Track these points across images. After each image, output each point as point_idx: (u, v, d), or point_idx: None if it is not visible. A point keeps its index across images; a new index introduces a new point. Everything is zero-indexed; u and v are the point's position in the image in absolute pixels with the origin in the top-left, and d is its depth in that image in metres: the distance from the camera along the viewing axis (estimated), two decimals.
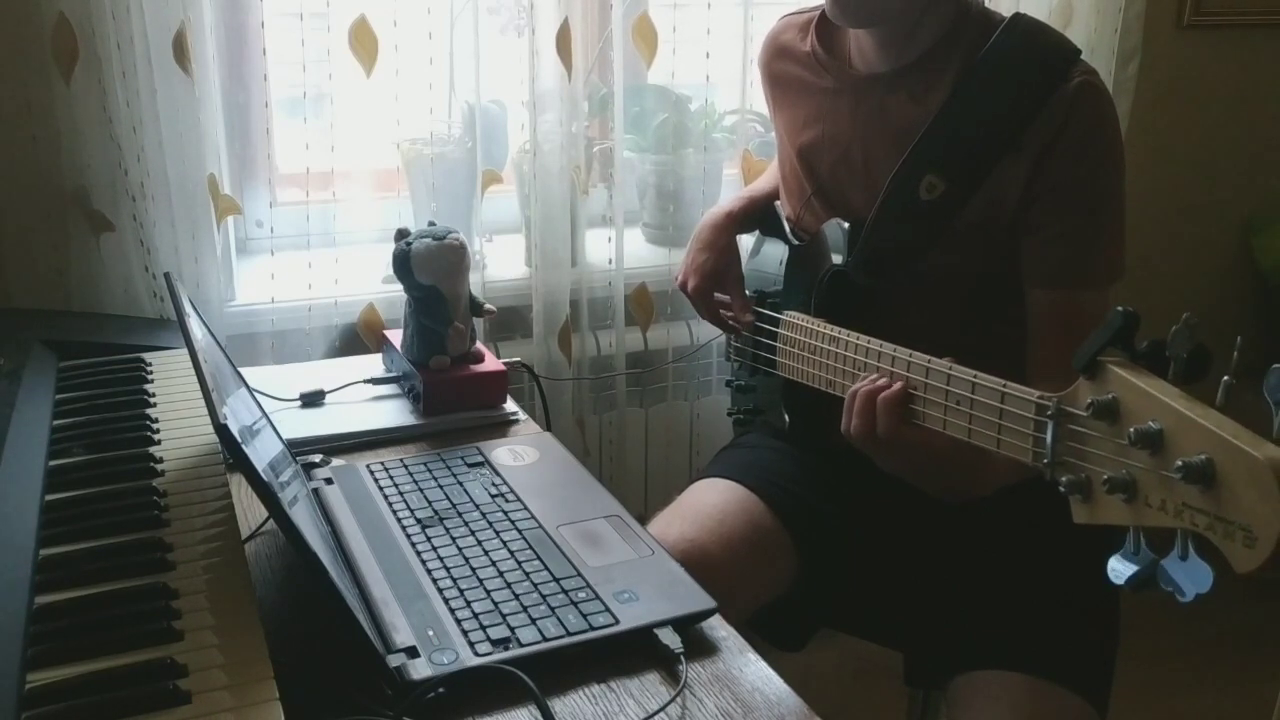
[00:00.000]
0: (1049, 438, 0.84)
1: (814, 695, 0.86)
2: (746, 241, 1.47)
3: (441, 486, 1.12)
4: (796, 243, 1.35)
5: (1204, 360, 0.73)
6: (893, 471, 1.10)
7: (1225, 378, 0.71)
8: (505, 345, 1.75)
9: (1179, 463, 0.69)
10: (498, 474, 1.16)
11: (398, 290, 1.36)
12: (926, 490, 1.14)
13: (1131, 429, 0.73)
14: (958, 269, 1.21)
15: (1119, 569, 0.78)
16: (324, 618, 0.84)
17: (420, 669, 0.83)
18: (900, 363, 1.04)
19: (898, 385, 1.03)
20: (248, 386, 1.14)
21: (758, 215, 1.44)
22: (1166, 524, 0.72)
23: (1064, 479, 0.80)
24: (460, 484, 1.13)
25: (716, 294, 1.39)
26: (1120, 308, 0.76)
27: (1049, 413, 0.84)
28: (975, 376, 0.95)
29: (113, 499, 0.97)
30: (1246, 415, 0.69)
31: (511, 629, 0.88)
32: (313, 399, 1.32)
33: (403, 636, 0.87)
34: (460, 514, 1.07)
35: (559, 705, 0.83)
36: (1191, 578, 0.73)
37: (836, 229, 1.26)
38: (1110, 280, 1.17)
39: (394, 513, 1.07)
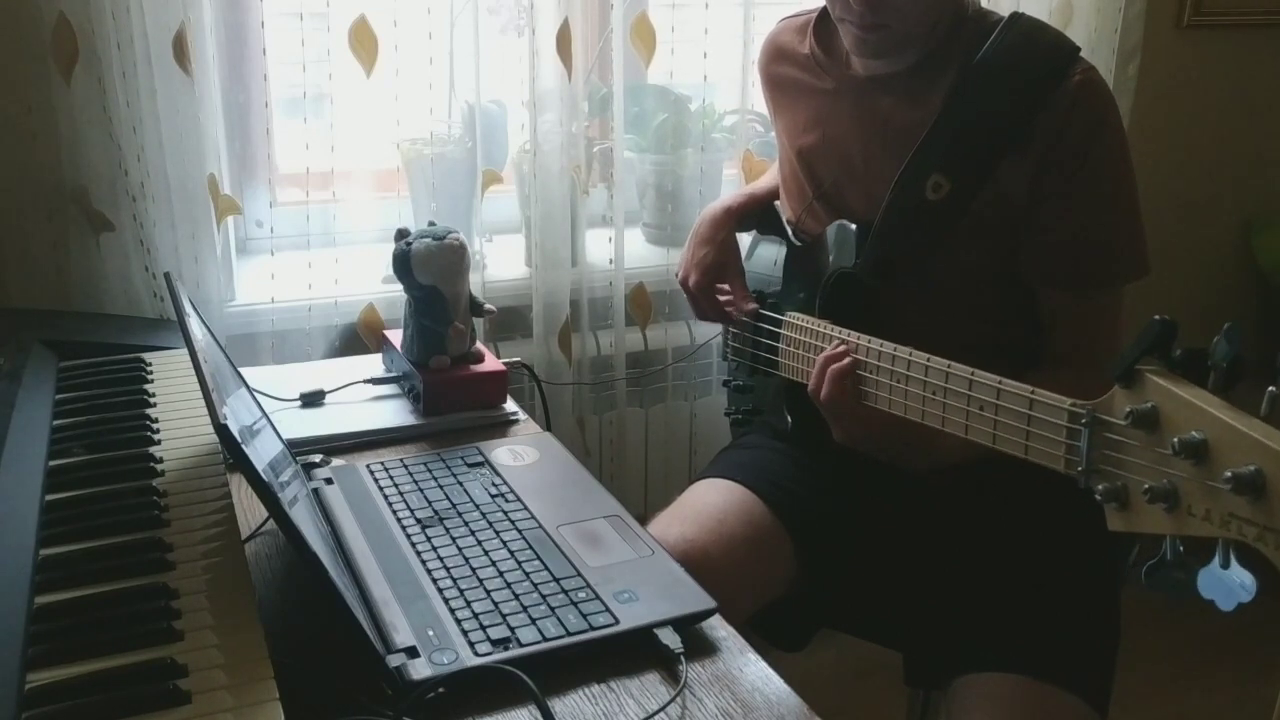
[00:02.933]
0: (1084, 446, 0.83)
1: (814, 695, 0.86)
2: (744, 241, 1.47)
3: (441, 486, 1.12)
4: (798, 243, 1.35)
5: (1239, 369, 0.73)
6: (848, 441, 1.15)
7: (1270, 389, 0.70)
8: (505, 345, 1.75)
9: (1228, 474, 0.68)
10: (498, 474, 1.16)
11: (398, 290, 1.36)
12: (892, 460, 1.17)
13: (1175, 439, 0.72)
14: (965, 269, 1.21)
15: (1154, 577, 0.78)
16: (324, 618, 0.84)
17: (420, 669, 0.83)
18: (918, 367, 1.03)
19: (846, 360, 1.11)
20: (248, 386, 1.13)
21: (757, 213, 1.44)
22: (1211, 534, 0.72)
23: (1100, 487, 0.80)
24: (460, 484, 1.13)
25: (719, 289, 1.39)
26: (1158, 317, 0.76)
27: (1083, 421, 0.83)
28: (1000, 382, 0.94)
29: (113, 499, 0.97)
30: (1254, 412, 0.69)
31: (511, 629, 0.88)
32: (313, 399, 1.32)
33: (403, 636, 0.87)
34: (460, 514, 1.07)
35: (559, 705, 0.83)
36: (1233, 588, 0.72)
37: (843, 231, 1.25)
38: (1128, 278, 1.17)
39: (394, 513, 1.07)
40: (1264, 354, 0.74)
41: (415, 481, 1.13)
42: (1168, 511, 0.75)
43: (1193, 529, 0.73)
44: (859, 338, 1.13)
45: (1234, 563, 0.72)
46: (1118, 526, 0.80)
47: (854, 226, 1.24)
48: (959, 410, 0.98)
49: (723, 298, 1.40)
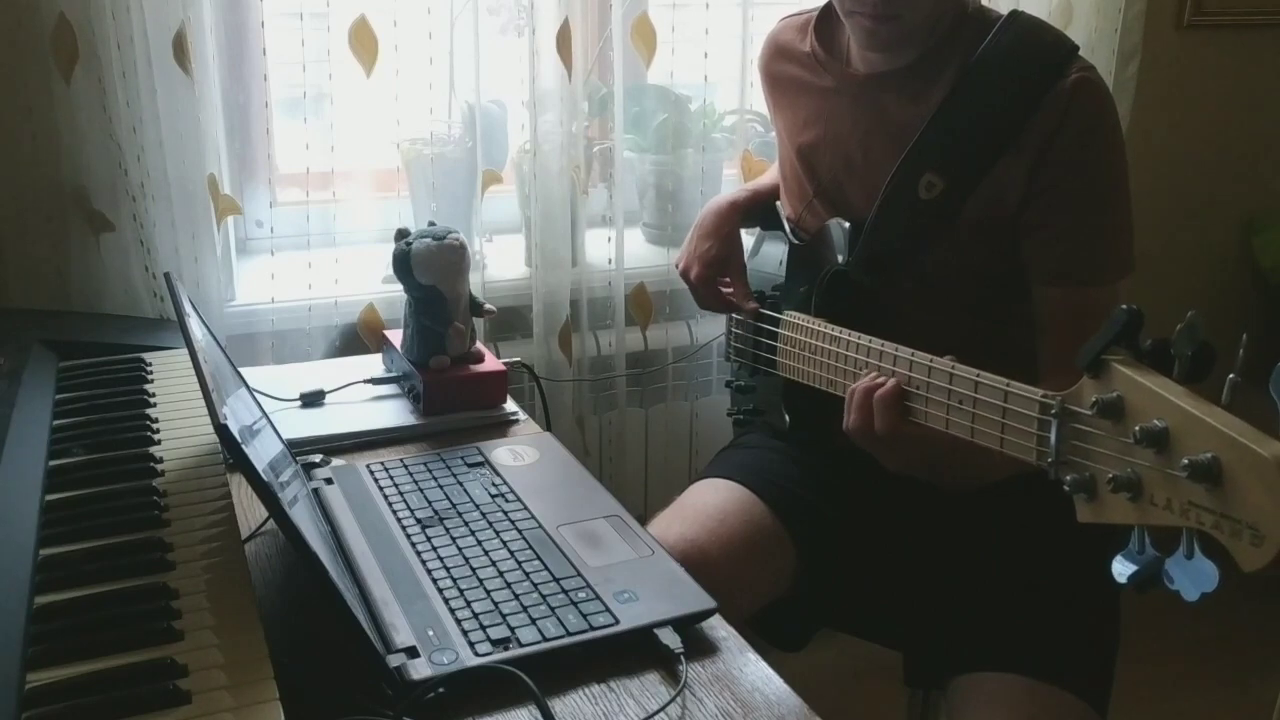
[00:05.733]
0: (1053, 437, 0.83)
1: (814, 695, 0.86)
2: (748, 239, 1.47)
3: (441, 486, 1.12)
4: (797, 242, 1.35)
5: (1208, 358, 0.73)
6: (896, 468, 1.10)
7: (1230, 376, 0.70)
8: (505, 345, 1.75)
9: (1185, 461, 0.69)
10: (498, 474, 1.16)
11: (398, 290, 1.36)
12: (933, 481, 1.14)
13: (1137, 427, 0.73)
14: (959, 268, 1.21)
15: (1122, 568, 0.78)
16: (324, 618, 0.84)
17: (420, 669, 0.83)
18: (903, 362, 1.04)
19: (892, 383, 1.04)
20: (248, 386, 1.14)
21: (761, 209, 1.44)
22: (1172, 523, 0.72)
23: (1068, 478, 0.80)
24: (460, 484, 1.13)
25: (721, 285, 1.39)
26: (1125, 306, 0.76)
27: (1053, 411, 0.83)
28: (978, 376, 0.94)
29: (113, 499, 0.97)
30: (1250, 414, 0.69)
31: (511, 629, 0.89)
32: (313, 399, 1.32)
33: (403, 636, 0.87)
34: (460, 514, 1.07)
35: (559, 705, 0.83)
36: (1197, 577, 0.72)
37: (837, 229, 1.26)
38: (1117, 276, 1.17)
39: (394, 513, 1.07)
40: (1266, 353, 0.74)
41: (415, 481, 1.13)
42: (1131, 501, 0.75)
43: (1155, 518, 0.74)
44: (853, 335, 1.13)
45: (1198, 552, 0.72)
46: (1086, 518, 0.80)
47: (847, 225, 1.24)
48: (940, 404, 0.99)
49: (724, 290, 1.40)
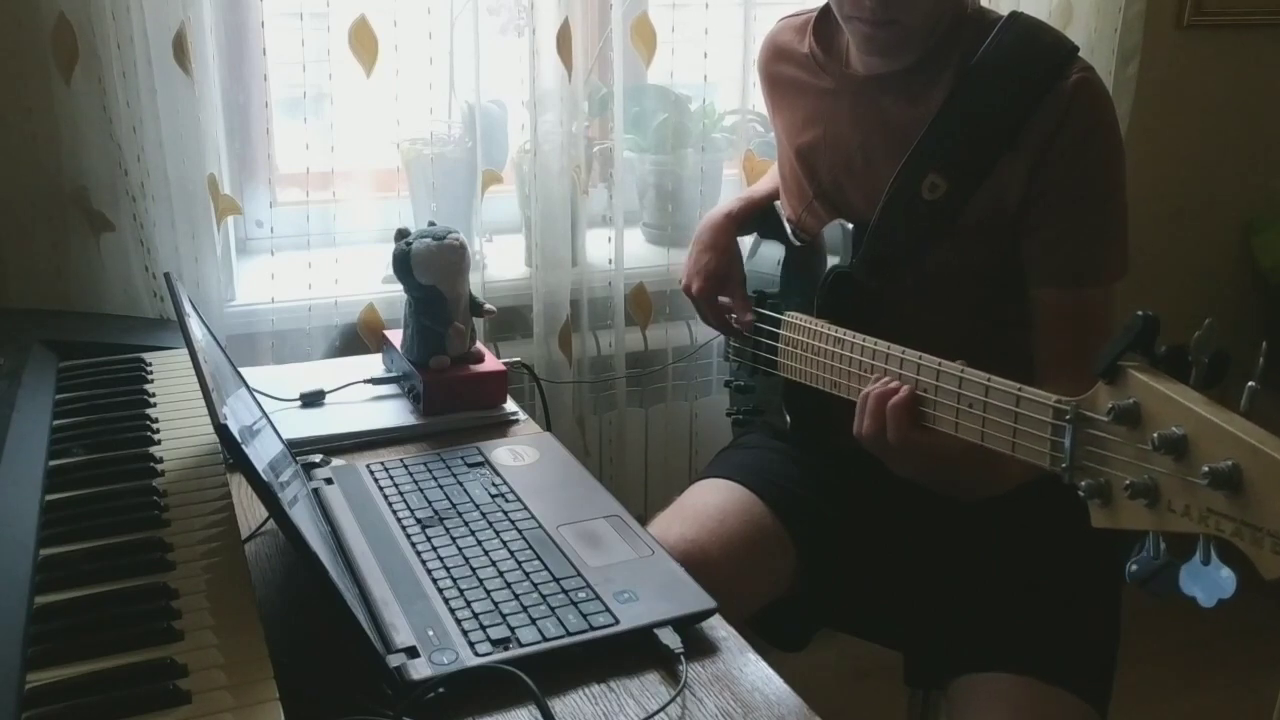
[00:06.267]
0: (1067, 442, 0.83)
1: (814, 695, 0.86)
2: (745, 242, 1.47)
3: (441, 486, 1.12)
4: (797, 244, 1.35)
5: (1223, 365, 0.73)
6: (906, 475, 1.09)
7: (1250, 384, 0.70)
8: (505, 345, 1.75)
9: (1205, 469, 0.68)
10: (498, 474, 1.16)
11: (398, 290, 1.36)
12: (941, 492, 1.14)
13: (1155, 434, 0.72)
14: (961, 269, 1.21)
15: (1135, 571, 0.78)
16: (324, 618, 0.84)
17: (420, 669, 0.83)
18: (910, 365, 1.03)
19: (905, 390, 1.03)
20: (248, 386, 1.14)
21: (757, 216, 1.44)
22: (1190, 529, 0.72)
23: (1083, 483, 0.80)
24: (460, 484, 1.13)
25: (720, 297, 1.39)
26: (1140, 312, 0.76)
27: (1067, 417, 0.83)
28: (989, 380, 0.94)
29: (113, 499, 0.97)
30: (1260, 419, 0.69)
31: (511, 629, 0.89)
32: (313, 399, 1.32)
33: (403, 636, 0.87)
34: (460, 514, 1.07)
35: (559, 705, 0.83)
36: (1215, 584, 0.72)
37: (839, 230, 1.25)
38: (1114, 277, 1.17)
39: (394, 513, 1.07)
40: (1267, 354, 0.74)
41: (415, 481, 1.13)
42: (1148, 507, 0.75)
43: (1173, 525, 0.73)
44: (859, 338, 1.13)
45: (1214, 559, 0.72)
46: (1101, 523, 0.80)
47: (850, 226, 1.24)
48: (949, 408, 0.98)
49: (724, 301, 1.40)
